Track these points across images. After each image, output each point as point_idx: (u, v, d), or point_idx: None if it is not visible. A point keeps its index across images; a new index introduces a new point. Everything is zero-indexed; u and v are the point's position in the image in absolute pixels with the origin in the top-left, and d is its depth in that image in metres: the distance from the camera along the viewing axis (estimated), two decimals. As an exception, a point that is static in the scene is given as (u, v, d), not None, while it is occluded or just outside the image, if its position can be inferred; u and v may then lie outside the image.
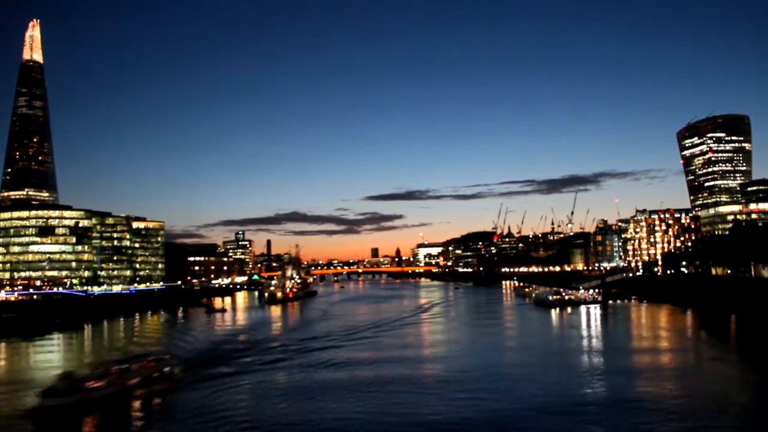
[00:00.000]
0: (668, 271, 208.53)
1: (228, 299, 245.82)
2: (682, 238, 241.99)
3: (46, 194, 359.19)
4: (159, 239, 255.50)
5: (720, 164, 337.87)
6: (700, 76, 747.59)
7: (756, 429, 48.12)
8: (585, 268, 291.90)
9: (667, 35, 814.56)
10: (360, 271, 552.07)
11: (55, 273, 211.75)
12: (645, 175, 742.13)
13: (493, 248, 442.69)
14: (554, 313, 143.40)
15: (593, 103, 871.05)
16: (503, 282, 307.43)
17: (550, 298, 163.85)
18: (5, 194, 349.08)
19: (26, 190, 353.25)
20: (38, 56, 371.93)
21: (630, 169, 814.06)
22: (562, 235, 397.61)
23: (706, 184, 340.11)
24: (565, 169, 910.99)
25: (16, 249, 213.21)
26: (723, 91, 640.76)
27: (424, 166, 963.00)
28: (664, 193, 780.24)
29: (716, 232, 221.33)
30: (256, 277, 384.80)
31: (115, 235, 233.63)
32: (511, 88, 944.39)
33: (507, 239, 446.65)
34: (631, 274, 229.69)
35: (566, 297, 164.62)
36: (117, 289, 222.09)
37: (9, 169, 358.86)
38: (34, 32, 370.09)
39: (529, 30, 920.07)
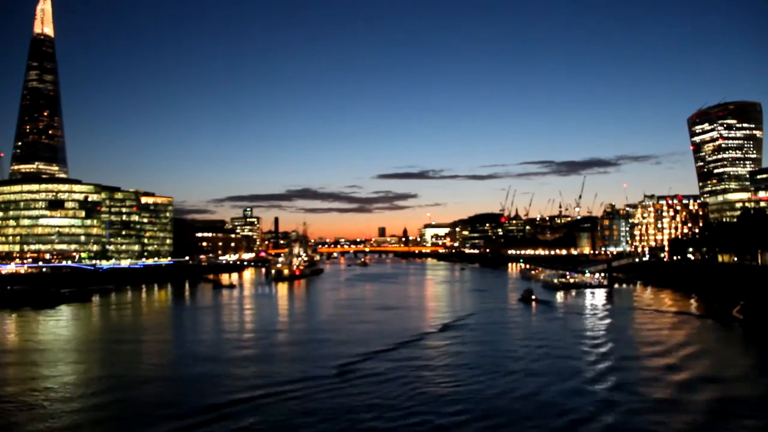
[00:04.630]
0: (675, 257, 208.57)
1: (235, 275, 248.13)
2: (689, 225, 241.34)
3: (56, 168, 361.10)
4: (167, 214, 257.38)
5: (730, 151, 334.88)
6: (716, 62, 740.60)
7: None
8: (591, 252, 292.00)
9: (685, 21, 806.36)
10: (367, 250, 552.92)
11: (64, 246, 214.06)
12: (668, 159, 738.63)
13: (500, 230, 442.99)
14: (559, 295, 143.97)
15: (617, 85, 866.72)
16: (509, 264, 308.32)
17: (556, 281, 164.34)
18: (16, 168, 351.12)
19: (36, 163, 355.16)
20: (49, 30, 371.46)
21: (652, 152, 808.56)
22: (569, 219, 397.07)
23: (716, 170, 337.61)
24: (586, 151, 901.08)
25: (26, 222, 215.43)
26: (736, 78, 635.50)
27: (440, 145, 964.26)
28: (687, 177, 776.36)
29: (724, 219, 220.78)
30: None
31: (123, 209, 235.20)
32: (531, 68, 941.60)
33: (514, 221, 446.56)
34: (637, 259, 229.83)
35: (572, 280, 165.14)
36: (125, 263, 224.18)
37: (19, 143, 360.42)
38: (45, 5, 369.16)
39: (553, 13, 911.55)
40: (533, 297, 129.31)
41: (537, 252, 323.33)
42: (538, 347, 74.82)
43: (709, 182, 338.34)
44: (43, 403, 49.84)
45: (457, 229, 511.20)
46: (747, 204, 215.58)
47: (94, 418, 45.85)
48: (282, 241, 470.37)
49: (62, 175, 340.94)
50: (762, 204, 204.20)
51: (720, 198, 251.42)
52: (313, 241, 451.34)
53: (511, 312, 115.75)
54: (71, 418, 45.73)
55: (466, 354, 71.80)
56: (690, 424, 44.07)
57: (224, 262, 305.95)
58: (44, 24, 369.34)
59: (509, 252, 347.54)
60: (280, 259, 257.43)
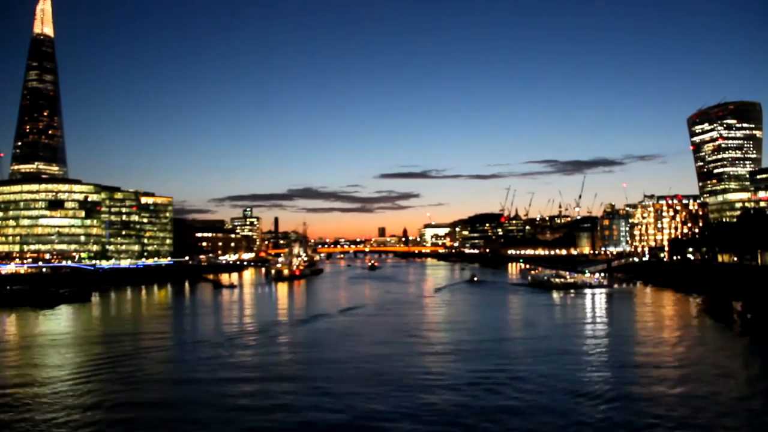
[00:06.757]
0: (675, 257, 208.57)
1: (235, 275, 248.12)
2: (689, 225, 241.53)
3: (56, 168, 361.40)
4: (167, 214, 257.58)
5: (730, 151, 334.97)
6: (715, 61, 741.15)
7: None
8: (591, 252, 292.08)
9: (686, 21, 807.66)
10: (367, 250, 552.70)
11: (64, 247, 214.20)
12: (674, 158, 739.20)
13: (500, 230, 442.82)
14: (555, 295, 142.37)
15: (622, 85, 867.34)
16: (509, 264, 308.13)
17: (554, 280, 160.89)
18: (16, 168, 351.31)
19: (36, 163, 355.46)
20: (49, 30, 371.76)
21: (658, 151, 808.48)
22: (569, 219, 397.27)
23: (715, 170, 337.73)
24: (591, 151, 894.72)
25: (26, 222, 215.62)
26: (736, 78, 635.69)
27: (442, 145, 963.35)
28: (693, 177, 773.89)
29: (724, 219, 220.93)
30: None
31: (123, 209, 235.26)
32: (536, 68, 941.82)
33: (514, 221, 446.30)
34: (637, 259, 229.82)
35: (571, 280, 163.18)
36: (125, 263, 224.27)
37: (19, 143, 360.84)
38: (45, 5, 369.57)
39: (556, 13, 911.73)
40: (475, 278, 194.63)
41: (537, 252, 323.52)
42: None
43: (709, 182, 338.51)
44: (41, 403, 49.72)
45: (457, 229, 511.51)
46: (747, 204, 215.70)
47: (92, 417, 45.80)
48: (282, 241, 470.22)
49: (62, 175, 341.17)
50: (762, 204, 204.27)
51: (720, 198, 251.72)
52: (313, 241, 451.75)
53: (457, 287, 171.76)
54: (70, 418, 45.67)
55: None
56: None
57: (224, 262, 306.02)
58: (44, 24, 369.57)
59: (509, 252, 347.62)
60: (280, 259, 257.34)
